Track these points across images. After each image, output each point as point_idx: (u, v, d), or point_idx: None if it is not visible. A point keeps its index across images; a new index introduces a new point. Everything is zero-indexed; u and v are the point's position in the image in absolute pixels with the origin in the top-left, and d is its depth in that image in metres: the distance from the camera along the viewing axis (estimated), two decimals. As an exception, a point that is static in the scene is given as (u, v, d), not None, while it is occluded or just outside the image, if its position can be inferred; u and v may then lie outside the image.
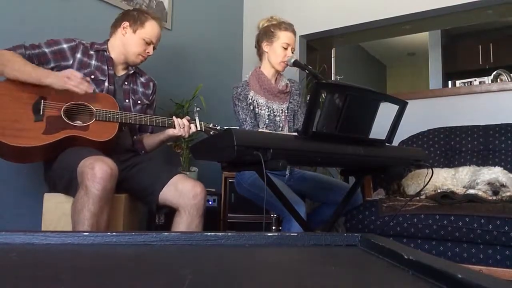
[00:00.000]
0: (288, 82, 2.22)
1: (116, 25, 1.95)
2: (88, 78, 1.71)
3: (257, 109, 2.08)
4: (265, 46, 2.13)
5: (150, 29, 1.92)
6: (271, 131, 2.04)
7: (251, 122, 2.04)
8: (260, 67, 2.17)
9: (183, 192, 1.74)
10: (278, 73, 2.18)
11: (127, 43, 1.91)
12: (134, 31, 1.91)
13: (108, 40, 1.95)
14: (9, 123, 1.60)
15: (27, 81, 1.63)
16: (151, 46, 1.95)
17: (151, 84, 2.06)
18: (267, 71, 2.14)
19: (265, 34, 2.12)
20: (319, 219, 2.16)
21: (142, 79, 2.04)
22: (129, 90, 1.95)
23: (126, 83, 1.95)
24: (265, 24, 2.15)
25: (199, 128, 1.88)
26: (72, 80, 1.62)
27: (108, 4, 2.52)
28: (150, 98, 2.04)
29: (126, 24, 1.91)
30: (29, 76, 1.63)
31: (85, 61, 1.84)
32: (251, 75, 2.16)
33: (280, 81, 2.18)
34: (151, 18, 1.94)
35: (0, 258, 0.62)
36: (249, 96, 2.08)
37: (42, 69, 1.67)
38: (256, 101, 2.09)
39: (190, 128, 1.85)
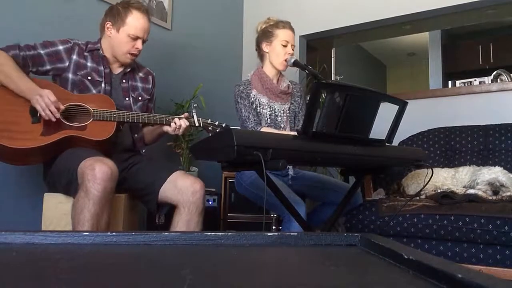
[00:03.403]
0: (289, 83, 2.22)
1: (102, 26, 1.88)
2: (60, 105, 1.63)
3: (259, 108, 2.09)
4: (265, 47, 2.13)
5: (132, 23, 1.82)
6: (272, 131, 2.04)
7: (254, 120, 2.05)
8: (262, 67, 2.17)
9: (182, 189, 1.74)
10: (279, 74, 2.19)
11: (114, 44, 1.85)
12: (118, 30, 1.83)
13: (100, 38, 1.91)
14: (6, 125, 1.60)
15: (12, 90, 1.63)
16: (139, 40, 1.85)
17: (150, 77, 2.04)
18: (269, 71, 2.15)
19: (264, 35, 2.13)
20: (319, 219, 2.16)
21: (141, 74, 2.01)
22: (128, 88, 1.93)
23: (124, 81, 1.93)
24: (263, 26, 2.17)
25: (197, 124, 1.88)
26: (44, 101, 1.59)
27: (108, 4, 2.51)
28: (151, 91, 2.02)
29: (108, 24, 1.85)
30: (15, 86, 1.62)
31: (81, 62, 1.82)
32: (253, 74, 2.16)
33: (282, 82, 2.19)
34: (133, 10, 1.83)
35: (0, 258, 0.62)
36: (251, 94, 2.09)
37: (26, 81, 1.64)
38: (258, 100, 2.09)
39: (185, 128, 1.84)
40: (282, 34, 2.09)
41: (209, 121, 1.90)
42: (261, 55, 2.19)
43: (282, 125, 2.13)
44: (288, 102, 2.18)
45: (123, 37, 1.83)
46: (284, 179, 2.08)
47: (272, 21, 2.15)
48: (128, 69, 1.95)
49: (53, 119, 1.62)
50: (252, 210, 2.51)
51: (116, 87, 1.91)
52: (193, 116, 1.88)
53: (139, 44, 1.86)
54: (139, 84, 1.99)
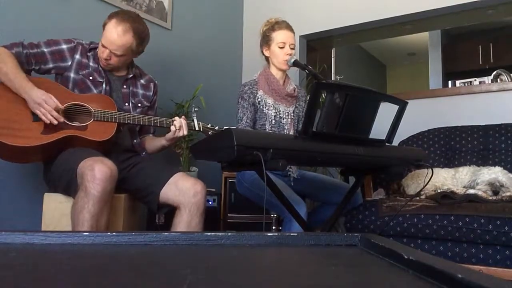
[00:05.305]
0: (295, 87, 2.23)
1: None
2: (59, 106, 1.64)
3: (264, 109, 2.09)
4: (265, 51, 2.16)
5: (105, 33, 1.77)
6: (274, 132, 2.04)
7: (246, 122, 2.04)
8: (269, 68, 2.19)
9: (183, 190, 1.74)
10: (286, 76, 2.20)
11: None
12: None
13: None
14: (7, 123, 1.61)
15: (10, 87, 1.63)
16: (106, 50, 1.78)
17: (152, 85, 2.04)
18: (275, 73, 2.16)
19: (264, 39, 2.16)
20: (319, 219, 2.16)
21: (143, 81, 2.02)
22: (128, 94, 1.94)
23: (125, 86, 1.93)
24: (263, 29, 2.19)
25: (197, 128, 1.88)
26: (43, 107, 1.59)
27: (108, 4, 2.52)
28: (151, 99, 2.03)
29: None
30: (12, 85, 1.63)
31: (84, 62, 1.83)
32: (259, 74, 2.17)
33: (288, 84, 2.20)
34: (109, 19, 1.78)
35: (0, 258, 0.62)
36: (257, 95, 2.09)
37: (26, 81, 1.64)
38: (264, 100, 2.09)
39: (186, 127, 1.83)
40: (278, 37, 2.10)
41: (209, 125, 1.91)
42: (266, 58, 2.21)
43: (287, 127, 2.13)
44: (293, 105, 2.20)
45: (101, 45, 1.80)
46: (285, 179, 2.08)
47: (269, 23, 2.17)
48: (131, 75, 1.95)
49: (55, 123, 1.62)
50: (252, 210, 2.51)
51: (117, 91, 1.91)
52: (193, 120, 1.89)
53: (105, 53, 1.79)
54: (140, 91, 1.99)
